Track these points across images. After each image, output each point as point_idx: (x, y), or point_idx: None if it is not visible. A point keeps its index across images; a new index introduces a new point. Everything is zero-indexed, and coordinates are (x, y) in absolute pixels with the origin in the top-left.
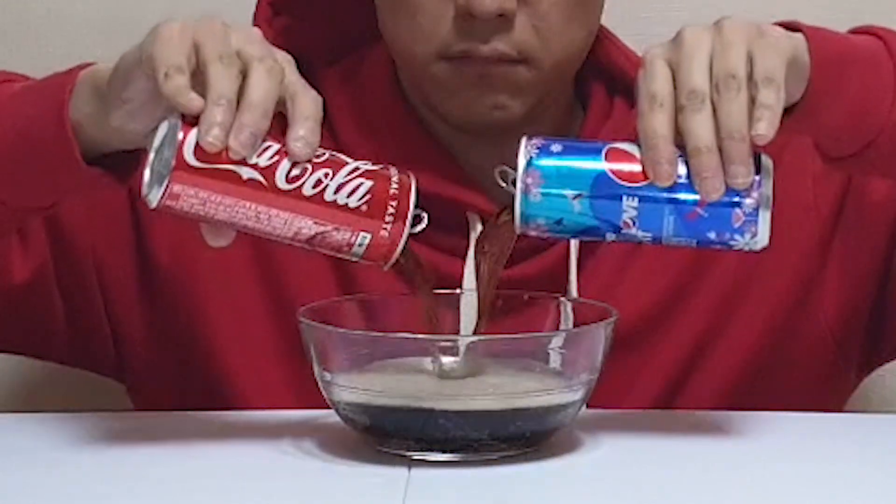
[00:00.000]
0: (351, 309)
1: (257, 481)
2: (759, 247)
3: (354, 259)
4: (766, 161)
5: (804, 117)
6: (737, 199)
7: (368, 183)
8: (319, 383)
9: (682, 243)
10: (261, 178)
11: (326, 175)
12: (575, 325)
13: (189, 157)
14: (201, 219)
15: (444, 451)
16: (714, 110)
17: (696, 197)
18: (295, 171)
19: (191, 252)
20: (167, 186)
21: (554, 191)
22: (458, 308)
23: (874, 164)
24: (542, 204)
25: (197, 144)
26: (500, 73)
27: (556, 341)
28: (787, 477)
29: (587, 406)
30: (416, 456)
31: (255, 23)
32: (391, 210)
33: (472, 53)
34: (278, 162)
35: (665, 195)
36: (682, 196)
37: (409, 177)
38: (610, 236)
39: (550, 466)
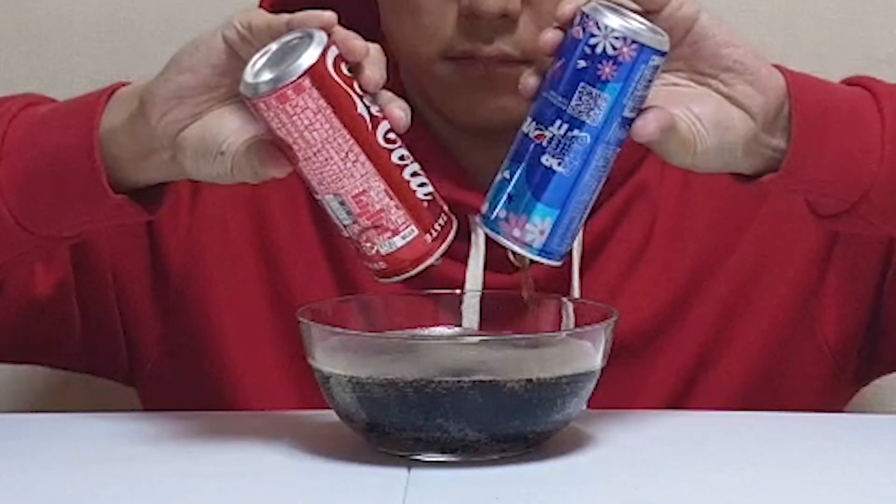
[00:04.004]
0: (351, 309)
1: (257, 481)
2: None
3: (384, 251)
4: None
5: (790, 173)
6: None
7: (431, 187)
8: (318, 381)
9: (591, 103)
10: (369, 120)
11: (409, 157)
12: (576, 326)
13: (330, 62)
14: (293, 129)
15: (443, 452)
16: None
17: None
18: (392, 135)
19: (201, 265)
20: (298, 78)
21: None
22: (460, 309)
23: (869, 221)
24: (491, 202)
25: (337, 58)
26: (504, 74)
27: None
28: (787, 477)
29: (587, 407)
30: (416, 456)
31: None
32: (441, 222)
33: (475, 54)
34: (383, 118)
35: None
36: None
37: (453, 214)
38: (549, 161)
39: (550, 466)
